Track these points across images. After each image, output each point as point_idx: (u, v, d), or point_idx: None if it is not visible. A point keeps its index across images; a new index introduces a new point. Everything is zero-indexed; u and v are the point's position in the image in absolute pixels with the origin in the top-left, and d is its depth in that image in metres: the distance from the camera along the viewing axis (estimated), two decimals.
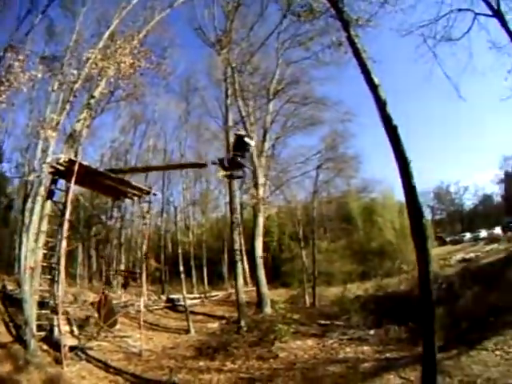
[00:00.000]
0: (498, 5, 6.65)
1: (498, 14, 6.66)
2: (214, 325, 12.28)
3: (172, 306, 15.76)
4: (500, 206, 45.84)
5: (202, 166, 12.55)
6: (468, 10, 7.29)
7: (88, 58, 9.43)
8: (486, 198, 48.81)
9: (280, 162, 18.89)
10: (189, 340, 10.22)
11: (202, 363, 7.64)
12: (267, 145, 16.35)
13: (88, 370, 6.98)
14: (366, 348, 8.30)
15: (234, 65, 13.65)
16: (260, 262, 14.25)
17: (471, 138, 64.93)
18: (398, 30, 8.11)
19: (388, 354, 7.68)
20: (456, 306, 11.26)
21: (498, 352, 7.14)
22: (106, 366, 7.29)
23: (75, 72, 9.83)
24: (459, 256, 21.74)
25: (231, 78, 13.76)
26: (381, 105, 4.97)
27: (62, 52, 11.63)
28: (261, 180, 14.65)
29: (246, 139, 5.38)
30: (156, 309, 15.21)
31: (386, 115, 4.92)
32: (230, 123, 13.58)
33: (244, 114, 14.84)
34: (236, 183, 13.73)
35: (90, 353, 7.98)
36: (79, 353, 7.65)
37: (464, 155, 64.80)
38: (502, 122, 52.59)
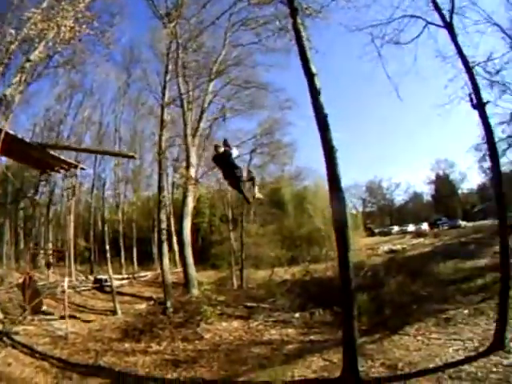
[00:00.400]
0: (451, 18, 7.81)
1: (448, 26, 7.79)
2: (142, 306, 13.61)
3: (100, 286, 16.97)
4: (429, 205, 57.93)
5: (130, 157, 14.63)
6: (421, 17, 8.80)
7: (29, 18, 10.12)
8: (416, 196, 60.86)
9: (216, 143, 19.98)
10: (115, 322, 11.13)
11: (127, 345, 8.47)
12: (203, 125, 18.08)
13: (14, 356, 7.53)
14: (290, 330, 9.45)
15: (180, 40, 15.42)
16: (188, 242, 15.92)
17: (409, 138, 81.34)
18: (348, 26, 9.40)
19: (312, 337, 8.73)
20: (380, 294, 12.92)
21: (419, 337, 8.25)
22: (31, 351, 7.85)
23: (13, 32, 10.43)
24: (386, 247, 25.81)
25: (174, 53, 15.35)
26: (315, 93, 5.90)
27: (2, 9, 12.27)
28: (193, 159, 16.24)
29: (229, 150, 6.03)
30: (83, 290, 16.25)
31: (319, 104, 5.89)
32: (168, 99, 15.28)
33: (183, 91, 16.71)
34: (168, 161, 16.21)
35: (16, 338, 8.55)
36: (4, 338, 8.27)
37: (400, 154, 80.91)
38: (437, 127, 66.57)
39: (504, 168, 24.17)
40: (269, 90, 20.00)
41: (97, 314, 12.42)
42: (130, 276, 21.40)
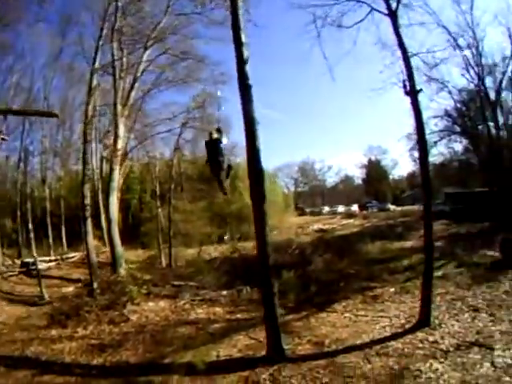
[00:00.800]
0: (397, 7, 8.17)
1: (392, 15, 8.14)
2: (70, 289, 13.72)
3: (26, 271, 16.81)
4: (360, 188, 63.63)
5: (52, 115, 15.04)
6: (366, 3, 9.24)
7: None
8: (348, 179, 66.95)
9: (148, 116, 21.98)
10: (42, 307, 11.19)
11: (54, 332, 8.53)
12: (134, 94, 18.47)
13: None
14: (217, 309, 9.85)
15: (120, 3, 15.79)
16: (114, 219, 16.24)
17: (344, 123, 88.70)
18: (291, 3, 10.14)
19: (239, 315, 9.08)
20: (308, 271, 13.58)
21: (346, 314, 8.60)
22: None
23: None
24: (316, 226, 27.52)
25: (112, 15, 15.66)
26: (241, 62, 6.21)
27: None
28: (121, 131, 16.62)
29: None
30: (11, 275, 16.16)
31: (244, 73, 6.21)
32: (99, 65, 15.44)
33: (116, 57, 16.75)
34: (94, 132, 17.61)
35: None
36: None
37: (335, 138, 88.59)
38: (372, 116, 74.00)
39: (435, 159, 27.37)
40: (205, 63, 20.60)
41: (24, 300, 12.43)
42: (58, 258, 21.14)
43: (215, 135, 6.55)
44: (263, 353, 6.25)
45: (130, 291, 10.16)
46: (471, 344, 6.23)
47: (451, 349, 6.11)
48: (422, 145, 8.41)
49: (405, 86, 7.91)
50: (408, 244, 17.88)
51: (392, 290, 10.73)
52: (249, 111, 6.24)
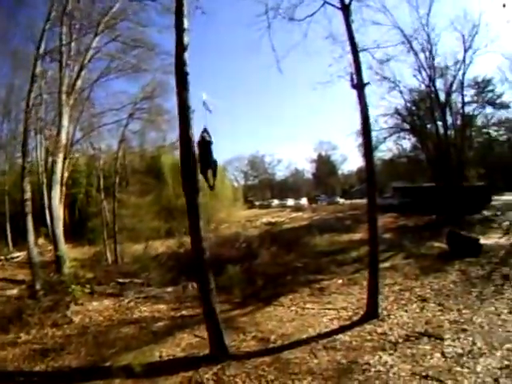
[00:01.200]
0: (350, 2, 8.41)
1: (345, 10, 8.35)
2: (14, 291, 13.08)
3: None
4: (309, 182, 66.03)
5: None
6: None
7: None
8: (298, 173, 68.86)
9: (96, 106, 21.43)
10: None
11: None
12: (80, 83, 17.92)
13: None
14: (162, 306, 9.71)
15: None
16: (57, 214, 15.76)
17: (296, 118, 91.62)
18: None
19: (184, 312, 8.91)
20: (254, 265, 13.44)
21: (293, 308, 8.43)
22: None
23: None
24: (265, 219, 27.73)
25: None
26: (180, 49, 6.25)
27: None
28: (65, 121, 16.23)
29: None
30: None
31: (182, 60, 6.22)
32: (45, 50, 14.99)
33: (64, 42, 16.31)
34: (39, 123, 17.29)
35: None
36: None
37: (288, 131, 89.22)
38: (322, 108, 77.91)
39: (384, 154, 28.85)
40: (156, 52, 20.45)
41: None
42: (2, 258, 21.00)
43: (208, 138, 6.79)
44: (207, 351, 6.07)
45: (73, 291, 9.89)
46: (420, 334, 6.27)
47: (400, 340, 6.10)
48: (366, 138, 8.47)
49: (352, 79, 8.09)
50: (357, 236, 18.30)
51: (340, 281, 10.85)
52: (184, 99, 6.22)
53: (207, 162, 6.78)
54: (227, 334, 6.17)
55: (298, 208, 36.66)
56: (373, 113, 24.25)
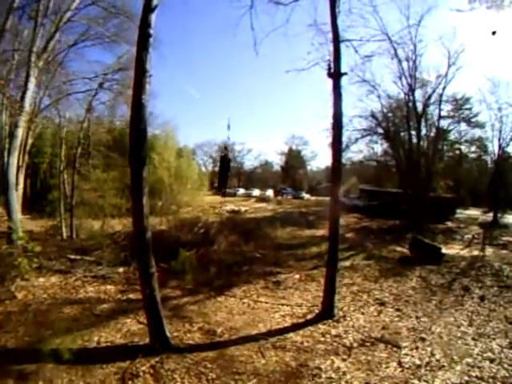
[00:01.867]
0: None
1: None
2: None
3: None
4: (277, 174, 65.19)
5: None
6: None
7: None
8: (267, 164, 68.60)
9: (69, 74, 20.15)
10: None
11: None
12: (53, 45, 17.12)
13: None
14: (109, 287, 9.10)
15: None
16: (13, 183, 15.17)
17: (271, 110, 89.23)
18: None
19: (132, 295, 8.36)
20: (210, 251, 12.86)
21: (245, 300, 7.91)
22: None
23: None
24: (229, 207, 27.20)
25: None
26: (148, 10, 5.92)
27: None
28: (32, 84, 15.63)
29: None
30: None
31: (147, 21, 5.91)
32: (18, 4, 14.55)
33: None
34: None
35: None
36: None
37: (259, 123, 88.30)
38: (296, 104, 78.35)
39: (354, 155, 29.05)
40: (136, 23, 19.02)
41: None
42: None
43: (229, 154, 6.04)
44: (148, 340, 5.58)
45: (19, 264, 9.31)
46: (377, 340, 5.93)
47: (355, 345, 5.73)
48: (336, 129, 7.96)
49: (329, 68, 7.74)
50: (319, 233, 18.10)
51: (297, 276, 10.46)
52: (143, 61, 5.83)
53: (225, 175, 6.31)
54: (173, 322, 5.86)
55: (263, 199, 36.34)
56: (348, 113, 24.61)
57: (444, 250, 12.77)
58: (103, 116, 28.41)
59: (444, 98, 24.13)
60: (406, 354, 5.44)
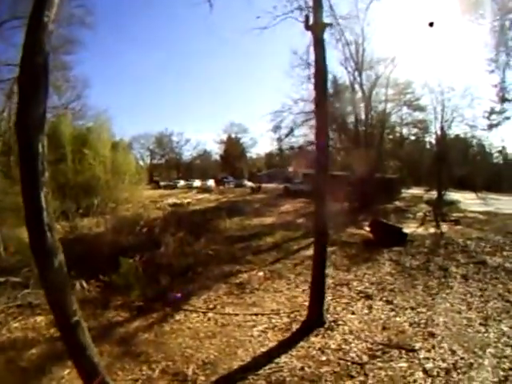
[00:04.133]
0: None
1: None
2: None
3: None
4: (217, 163, 64.10)
5: None
6: None
7: None
8: (205, 154, 66.51)
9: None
10: None
11: None
12: None
13: None
14: (39, 319, 6.54)
15: None
16: None
17: (210, 97, 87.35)
18: None
19: None
20: (157, 256, 11.03)
21: (211, 314, 6.41)
22: None
23: None
24: (171, 200, 25.49)
25: None
26: None
27: None
28: None
29: None
30: None
31: None
32: None
33: None
34: None
35: None
36: None
37: (196, 112, 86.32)
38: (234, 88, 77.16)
39: (298, 139, 28.51)
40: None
41: None
42: None
43: None
44: None
45: None
46: (386, 346, 4.91)
47: (365, 358, 4.62)
48: (321, 94, 6.58)
49: (307, 19, 6.33)
50: (268, 220, 17.12)
51: (261, 274, 9.12)
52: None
53: None
54: (126, 365, 4.37)
55: (204, 189, 35.11)
56: (294, 96, 24.42)
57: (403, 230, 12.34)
58: None
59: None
60: (427, 358, 4.53)
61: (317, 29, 6.14)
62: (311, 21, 6.19)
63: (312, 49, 6.37)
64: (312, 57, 7.12)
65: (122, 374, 4.21)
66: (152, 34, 71.44)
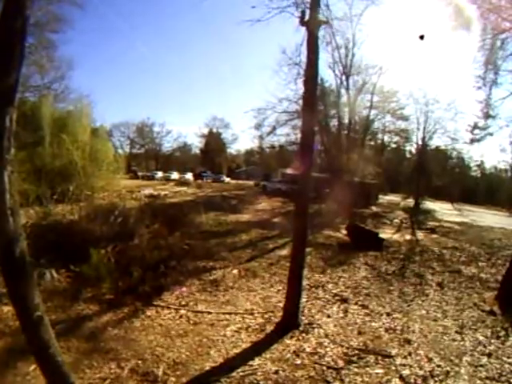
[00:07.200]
0: None
1: None
2: None
3: None
4: (196, 157, 63.73)
5: None
6: None
7: None
8: (186, 146, 66.10)
9: None
10: None
11: None
12: None
13: None
14: (6, 309, 5.95)
15: None
16: None
17: (194, 90, 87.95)
18: None
19: None
20: (131, 247, 10.66)
21: (183, 311, 6.20)
22: None
23: None
24: (147, 191, 25.00)
25: None
26: None
27: None
28: None
29: None
30: None
31: None
32: None
33: None
34: None
35: None
36: None
37: (180, 101, 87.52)
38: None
39: (280, 138, 28.56)
40: None
41: None
42: None
43: None
44: None
45: None
46: (362, 351, 4.84)
47: (341, 363, 4.53)
48: (310, 92, 6.42)
49: (303, 14, 6.15)
50: (244, 218, 17.06)
51: (235, 271, 8.95)
52: None
53: None
54: (94, 362, 4.14)
55: (182, 182, 34.80)
56: (279, 95, 24.87)
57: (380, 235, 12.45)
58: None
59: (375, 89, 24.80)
60: (403, 365, 4.51)
61: (312, 25, 5.99)
62: (307, 17, 6.01)
63: (304, 47, 6.17)
64: (302, 56, 6.91)
65: (90, 372, 3.94)
66: (142, 22, 69.74)
